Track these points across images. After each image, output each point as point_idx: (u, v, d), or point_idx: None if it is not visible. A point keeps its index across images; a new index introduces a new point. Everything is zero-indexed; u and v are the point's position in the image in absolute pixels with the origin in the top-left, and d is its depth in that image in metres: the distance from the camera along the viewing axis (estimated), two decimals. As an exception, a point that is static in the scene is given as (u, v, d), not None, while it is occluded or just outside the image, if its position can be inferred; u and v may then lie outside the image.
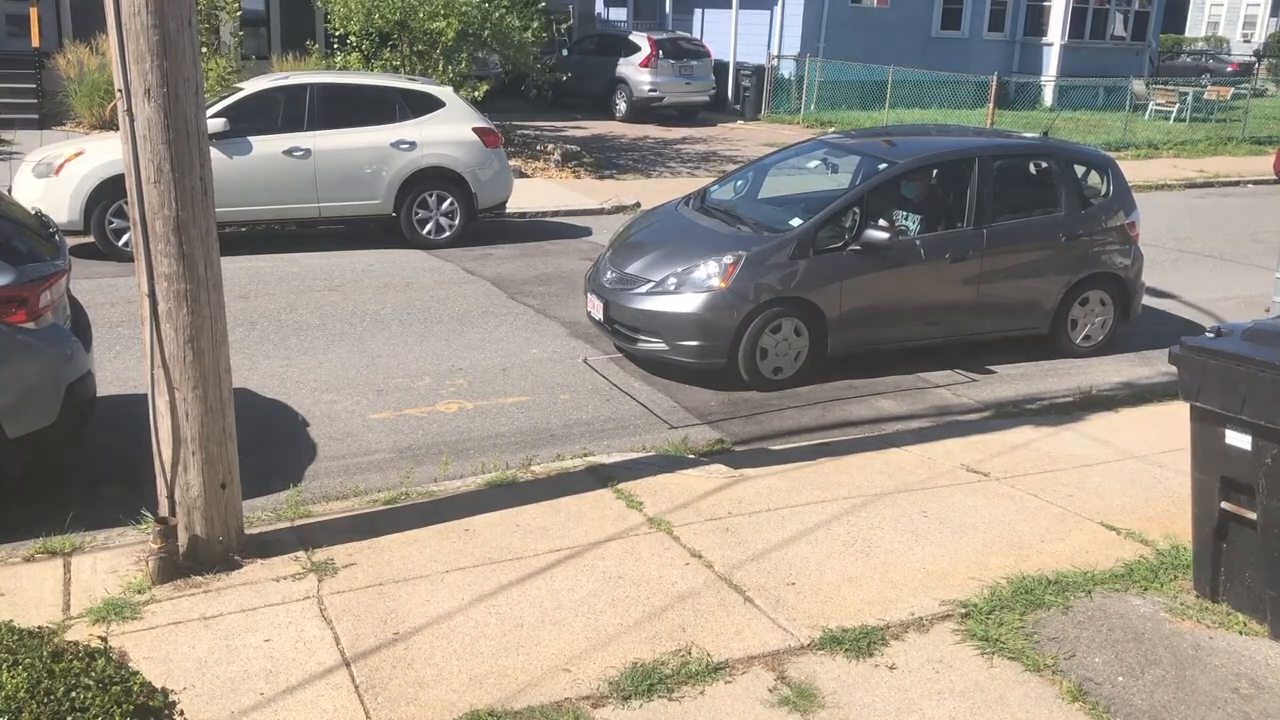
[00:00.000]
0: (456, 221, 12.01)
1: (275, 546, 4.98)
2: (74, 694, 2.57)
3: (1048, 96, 28.12)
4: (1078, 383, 7.96)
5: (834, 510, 5.55)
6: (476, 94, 16.22)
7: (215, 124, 10.08)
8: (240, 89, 11.73)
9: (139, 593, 4.54)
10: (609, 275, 8.19)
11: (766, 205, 8.93)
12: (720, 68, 25.27)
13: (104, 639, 2.91)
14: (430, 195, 11.87)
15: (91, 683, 2.61)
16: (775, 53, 25.63)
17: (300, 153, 11.25)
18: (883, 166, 8.32)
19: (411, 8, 15.78)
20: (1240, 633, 4.51)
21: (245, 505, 5.03)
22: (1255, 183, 18.88)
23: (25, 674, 2.57)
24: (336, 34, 16.25)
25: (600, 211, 14.50)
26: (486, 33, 16.51)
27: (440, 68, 16.24)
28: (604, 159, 18.43)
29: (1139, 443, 6.66)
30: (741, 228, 8.19)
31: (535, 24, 17.42)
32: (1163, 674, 4.22)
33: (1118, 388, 7.98)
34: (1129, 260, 8.70)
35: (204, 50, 14.96)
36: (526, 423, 7.01)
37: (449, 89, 12.95)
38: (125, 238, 10.27)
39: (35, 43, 17.97)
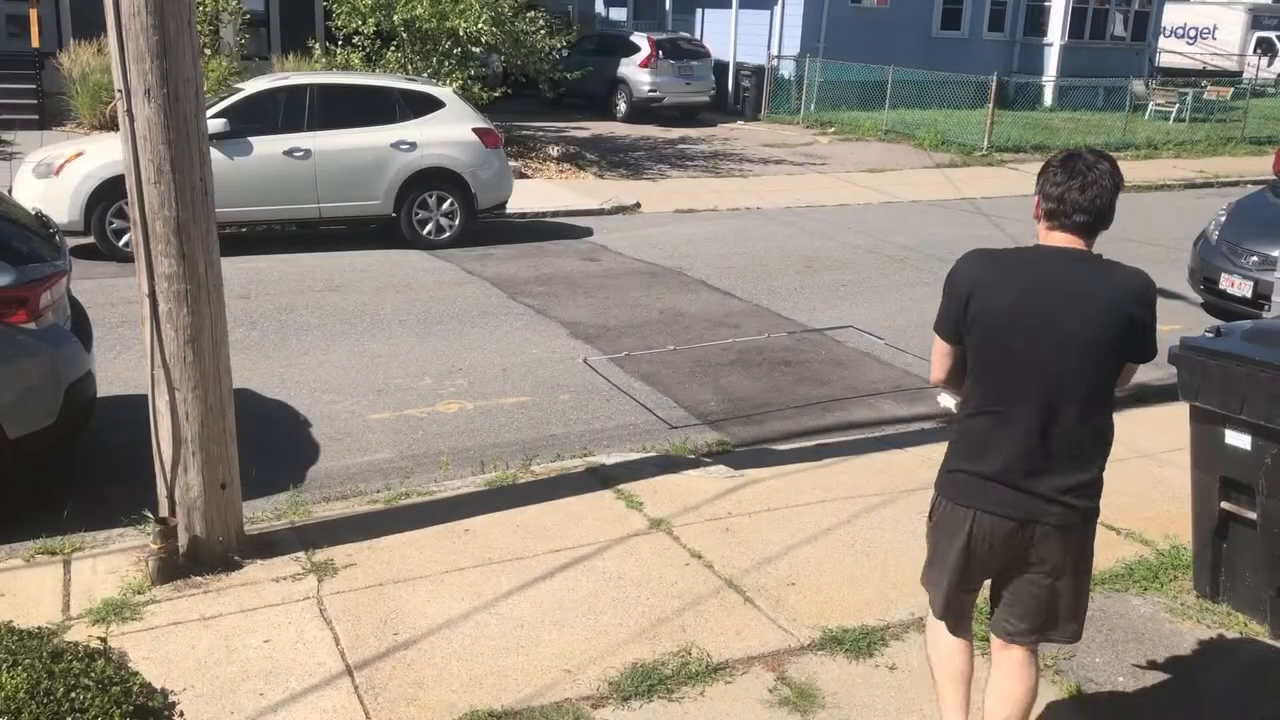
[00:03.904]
0: (456, 222, 12.02)
1: (275, 547, 4.98)
2: (74, 694, 2.56)
3: (1048, 96, 28.12)
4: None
5: (835, 511, 5.55)
6: (487, 96, 16.22)
7: (215, 124, 10.07)
8: (240, 89, 11.74)
9: (139, 593, 4.54)
10: (1253, 259, 9.49)
11: None
12: (720, 68, 25.25)
13: (104, 639, 2.91)
14: (430, 195, 11.88)
15: (91, 683, 2.61)
16: (775, 53, 25.62)
17: (300, 153, 11.25)
18: None
19: (444, 11, 15.84)
20: (1240, 633, 4.51)
21: (245, 505, 5.03)
22: (1255, 183, 18.87)
23: (25, 674, 2.57)
24: (341, 33, 16.26)
25: (600, 212, 14.50)
26: (503, 41, 16.55)
27: (446, 70, 16.24)
28: (604, 159, 18.43)
29: (1139, 443, 6.65)
30: None
31: (563, 34, 17.72)
32: (1163, 674, 4.21)
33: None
34: None
35: (204, 51, 14.97)
36: (526, 423, 7.01)
37: (449, 89, 12.96)
38: (125, 238, 10.27)
39: (35, 43, 17.97)
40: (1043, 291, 3.12)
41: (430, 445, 6.60)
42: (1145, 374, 8.19)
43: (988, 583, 3.44)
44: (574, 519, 5.37)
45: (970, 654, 3.51)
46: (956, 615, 3.44)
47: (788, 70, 25.45)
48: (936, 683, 3.57)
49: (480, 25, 15.79)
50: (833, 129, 23.38)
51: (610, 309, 9.74)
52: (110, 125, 15.86)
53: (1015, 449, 3.15)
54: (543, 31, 17.08)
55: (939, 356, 3.38)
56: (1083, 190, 3.14)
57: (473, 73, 16.75)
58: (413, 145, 11.70)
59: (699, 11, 27.80)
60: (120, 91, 4.31)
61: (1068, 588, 3.25)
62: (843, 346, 8.82)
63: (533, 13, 17.08)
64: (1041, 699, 4.03)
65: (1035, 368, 3.11)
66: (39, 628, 2.88)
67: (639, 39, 24.18)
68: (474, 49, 16.64)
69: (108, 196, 10.43)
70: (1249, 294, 9.48)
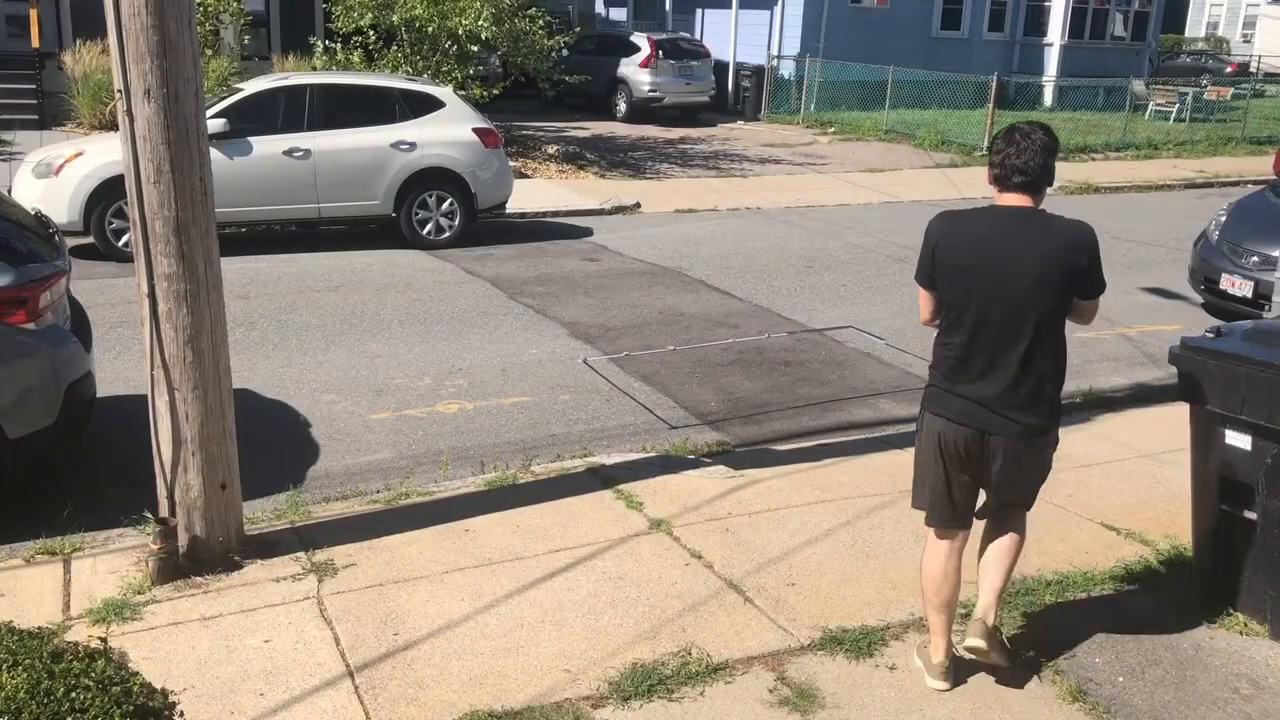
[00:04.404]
0: (456, 222, 12.02)
1: (275, 547, 4.98)
2: (74, 695, 2.56)
3: (1048, 96, 28.12)
4: (1078, 384, 7.96)
5: (834, 511, 5.55)
6: (487, 95, 16.21)
7: (215, 124, 10.08)
8: (240, 89, 11.74)
9: (139, 593, 4.54)
10: (1253, 259, 9.52)
11: None
12: (720, 68, 25.27)
13: (104, 640, 2.91)
14: (430, 195, 11.88)
15: (91, 683, 2.61)
16: (775, 53, 25.63)
17: (300, 153, 11.25)
18: None
19: (444, 10, 15.85)
20: (1240, 633, 4.51)
21: (245, 505, 5.03)
22: (1255, 183, 18.87)
23: (25, 674, 2.57)
24: (340, 32, 16.26)
25: (600, 212, 14.51)
26: (502, 40, 16.56)
27: (446, 69, 16.24)
28: (604, 159, 18.43)
29: (1140, 443, 6.66)
30: None
31: (562, 35, 17.79)
32: (1163, 674, 4.21)
33: (1119, 388, 7.98)
34: None
35: (204, 51, 14.98)
36: (526, 423, 7.01)
37: (449, 89, 12.96)
38: (125, 238, 10.27)
39: (35, 43, 17.97)
40: (994, 242, 3.77)
41: (430, 445, 6.60)
42: (1145, 374, 8.25)
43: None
44: (574, 519, 5.37)
45: (958, 558, 4.05)
46: (947, 519, 4.02)
47: (788, 70, 25.45)
48: (924, 590, 4.11)
49: (481, 23, 15.80)
50: (833, 129, 23.38)
51: (610, 309, 9.74)
52: (110, 125, 15.85)
53: (976, 372, 3.83)
54: (542, 31, 17.09)
55: (922, 301, 4.04)
56: (1018, 155, 3.77)
57: (471, 72, 16.75)
58: (412, 145, 11.70)
59: (699, 11, 27.81)
60: (120, 91, 4.31)
61: (1027, 484, 4.03)
62: (843, 346, 8.82)
63: (534, 9, 17.10)
64: (1041, 699, 4.04)
65: (990, 306, 3.76)
66: (39, 628, 2.88)
67: (639, 39, 24.19)
68: (473, 47, 16.64)
69: (107, 196, 10.43)
70: (1249, 294, 9.48)
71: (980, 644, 3.97)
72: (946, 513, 3.99)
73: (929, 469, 3.99)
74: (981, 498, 4.11)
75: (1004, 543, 4.07)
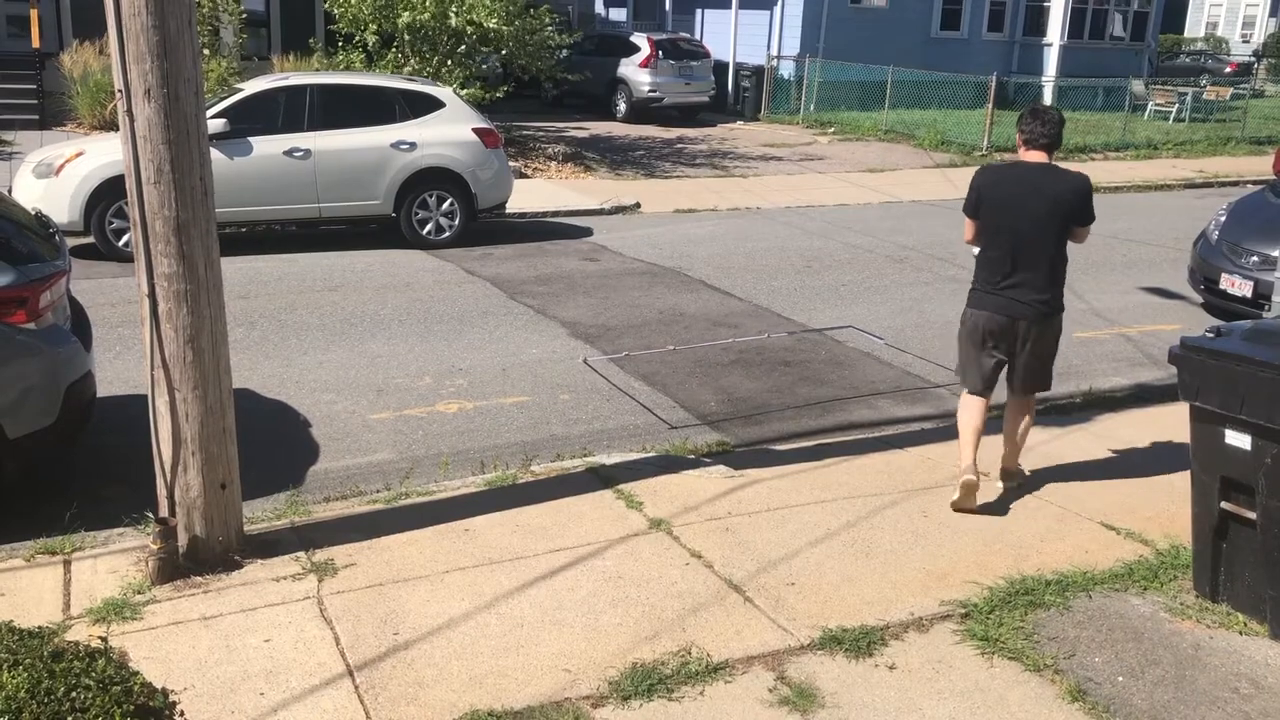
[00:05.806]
0: (456, 222, 12.02)
1: (275, 547, 4.98)
2: (74, 694, 2.56)
3: (1047, 96, 28.11)
4: (1078, 384, 7.96)
5: (834, 511, 5.55)
6: (490, 97, 16.20)
7: (215, 124, 10.07)
8: (240, 89, 11.74)
9: (139, 593, 4.54)
10: (1253, 259, 9.62)
11: None
12: (720, 68, 25.26)
13: (104, 639, 2.91)
14: (430, 195, 11.88)
15: (92, 683, 2.61)
16: (775, 53, 25.63)
17: (300, 153, 11.25)
18: None
19: (449, 10, 15.85)
20: (1240, 633, 4.51)
21: (245, 505, 5.03)
22: (1255, 183, 18.86)
23: (25, 674, 2.57)
24: (341, 32, 16.27)
25: (600, 212, 14.51)
26: (508, 38, 16.57)
27: (447, 69, 16.24)
28: (604, 159, 18.43)
29: (1140, 443, 6.66)
30: None
31: (570, 33, 17.77)
32: (1163, 674, 4.22)
33: (1119, 388, 7.98)
34: None
35: (204, 51, 14.97)
36: (527, 423, 7.01)
37: (449, 89, 12.96)
38: (125, 238, 10.27)
39: (36, 43, 17.97)
40: (1019, 185, 5.46)
41: (430, 445, 6.60)
42: (1145, 374, 8.26)
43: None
44: (574, 519, 5.37)
45: (984, 411, 5.60)
46: (978, 388, 5.63)
47: (787, 70, 25.45)
48: (960, 430, 5.64)
49: (492, 22, 15.80)
50: (832, 129, 23.38)
51: (610, 309, 9.74)
52: (110, 125, 15.85)
53: (1005, 275, 5.46)
54: (550, 28, 17.10)
55: (968, 227, 5.63)
56: (1042, 125, 5.49)
57: (472, 72, 16.75)
58: (413, 145, 11.70)
59: (699, 11, 27.81)
60: (120, 91, 4.31)
61: (1042, 361, 5.62)
62: (843, 346, 8.82)
63: (544, 6, 17.14)
64: (1041, 699, 4.04)
65: (1015, 229, 5.43)
66: (39, 627, 2.88)
67: (639, 39, 24.18)
68: (484, 48, 16.63)
69: (108, 196, 10.43)
70: (1249, 294, 9.48)
71: (1000, 485, 5.71)
72: (977, 382, 5.61)
73: (969, 351, 5.62)
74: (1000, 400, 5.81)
75: (1022, 419, 5.75)
